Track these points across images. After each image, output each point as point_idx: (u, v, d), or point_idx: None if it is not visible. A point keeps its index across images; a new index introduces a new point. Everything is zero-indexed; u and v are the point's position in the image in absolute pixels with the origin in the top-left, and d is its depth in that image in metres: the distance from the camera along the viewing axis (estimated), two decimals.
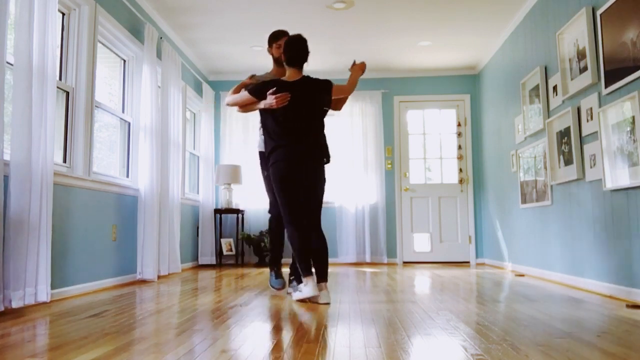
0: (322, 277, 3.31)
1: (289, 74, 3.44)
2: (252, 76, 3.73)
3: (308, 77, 3.46)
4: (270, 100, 3.32)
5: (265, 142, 3.48)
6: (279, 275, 3.77)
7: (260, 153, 3.76)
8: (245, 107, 3.50)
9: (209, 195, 6.75)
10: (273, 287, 3.75)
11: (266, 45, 3.95)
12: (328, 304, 3.19)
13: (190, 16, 5.34)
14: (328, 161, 3.47)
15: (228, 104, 3.59)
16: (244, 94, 3.44)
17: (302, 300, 3.31)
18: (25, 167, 2.98)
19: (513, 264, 5.60)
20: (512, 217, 5.64)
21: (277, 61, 3.72)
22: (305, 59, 3.46)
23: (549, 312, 2.80)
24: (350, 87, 3.58)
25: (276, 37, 3.72)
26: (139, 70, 4.89)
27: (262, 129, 3.58)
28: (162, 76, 5.22)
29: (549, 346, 2.00)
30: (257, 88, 3.40)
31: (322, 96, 3.46)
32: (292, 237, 3.35)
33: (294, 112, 3.35)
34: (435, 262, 7.00)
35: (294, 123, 3.36)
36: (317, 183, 3.41)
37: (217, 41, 6.03)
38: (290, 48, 3.42)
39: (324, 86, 3.47)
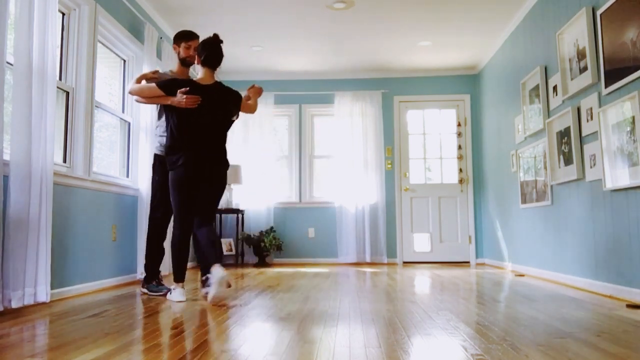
0: (217, 259, 3.26)
1: (203, 76, 3.44)
2: (156, 71, 3.73)
3: (220, 83, 3.50)
4: (180, 98, 3.29)
5: (167, 140, 3.42)
6: (160, 282, 3.80)
7: (157, 156, 3.73)
8: (149, 99, 3.42)
9: None
10: (157, 293, 3.65)
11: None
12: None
13: (190, 16, 5.34)
14: (228, 167, 3.54)
15: (131, 93, 3.47)
16: (152, 87, 3.36)
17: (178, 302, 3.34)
18: (25, 167, 2.98)
19: (513, 264, 5.60)
20: (512, 217, 5.64)
21: (183, 61, 3.73)
22: (220, 62, 3.49)
23: (549, 312, 2.80)
24: (254, 109, 3.76)
25: (187, 37, 3.72)
26: (139, 70, 4.89)
27: (163, 130, 3.62)
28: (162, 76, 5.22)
29: (549, 346, 2.00)
30: (168, 84, 3.35)
31: (232, 107, 3.51)
32: (179, 240, 3.37)
33: (205, 117, 3.37)
34: (435, 262, 7.00)
35: (204, 128, 3.37)
36: (220, 189, 3.50)
37: None
38: (210, 48, 3.42)
39: (235, 99, 3.52)
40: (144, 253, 3.87)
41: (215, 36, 3.45)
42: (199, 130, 3.35)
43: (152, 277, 3.77)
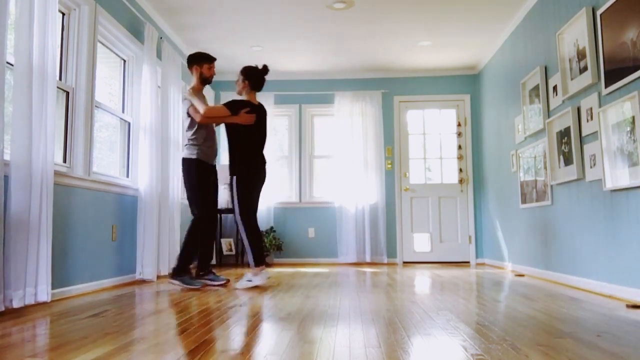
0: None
1: (250, 97, 4.22)
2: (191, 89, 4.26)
3: (260, 103, 4.29)
4: (246, 116, 4.07)
5: (235, 153, 4.13)
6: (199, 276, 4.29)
7: (191, 160, 4.15)
8: (218, 118, 4.12)
9: None
10: (196, 287, 4.04)
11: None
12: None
13: (190, 16, 5.34)
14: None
15: (207, 115, 4.04)
16: (221, 108, 4.07)
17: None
18: (26, 167, 2.98)
19: (513, 264, 5.60)
20: (512, 217, 5.64)
21: (205, 80, 4.30)
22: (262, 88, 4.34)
23: (549, 312, 2.80)
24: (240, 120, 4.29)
25: (211, 59, 4.33)
26: (139, 70, 4.89)
27: (194, 137, 4.16)
28: (162, 76, 5.22)
29: (549, 346, 2.00)
30: (233, 105, 4.09)
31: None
32: (252, 232, 4.07)
33: (261, 130, 4.20)
34: (435, 262, 7.00)
35: (262, 139, 4.21)
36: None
37: (217, 41, 6.03)
38: (259, 77, 4.21)
39: (265, 113, 4.30)
40: (185, 247, 4.13)
41: (265, 67, 4.21)
42: (259, 142, 4.19)
43: (186, 271, 4.10)
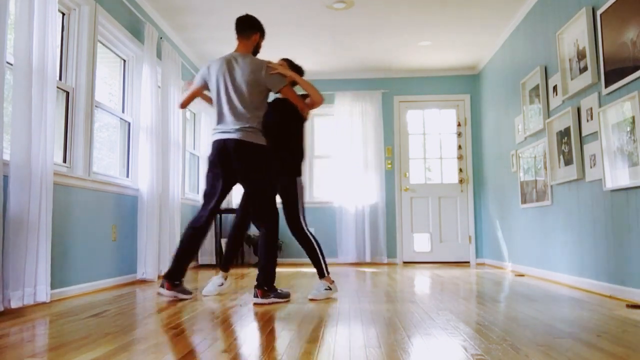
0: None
1: None
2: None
3: None
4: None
5: (300, 149, 3.72)
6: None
7: (267, 149, 3.41)
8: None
9: None
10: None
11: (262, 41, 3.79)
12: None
13: (190, 16, 5.34)
14: None
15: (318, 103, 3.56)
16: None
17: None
18: (25, 167, 2.98)
19: (513, 264, 5.60)
20: (512, 217, 5.64)
21: (255, 53, 3.62)
22: None
23: (549, 312, 2.80)
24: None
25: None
26: (139, 70, 4.89)
27: (259, 122, 3.41)
28: (162, 76, 5.22)
29: (549, 346, 2.00)
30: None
31: None
32: (315, 239, 3.59)
33: None
34: (435, 262, 7.00)
35: None
36: None
37: (217, 41, 6.03)
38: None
39: None
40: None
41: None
42: None
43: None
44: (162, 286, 3.30)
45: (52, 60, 3.23)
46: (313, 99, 3.49)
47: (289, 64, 3.70)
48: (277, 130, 3.66)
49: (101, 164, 4.52)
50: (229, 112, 3.28)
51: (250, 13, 5.24)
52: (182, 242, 3.33)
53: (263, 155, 3.29)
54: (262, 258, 3.27)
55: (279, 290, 3.30)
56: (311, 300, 3.37)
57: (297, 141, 3.65)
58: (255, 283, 3.24)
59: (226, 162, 3.28)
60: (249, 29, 3.44)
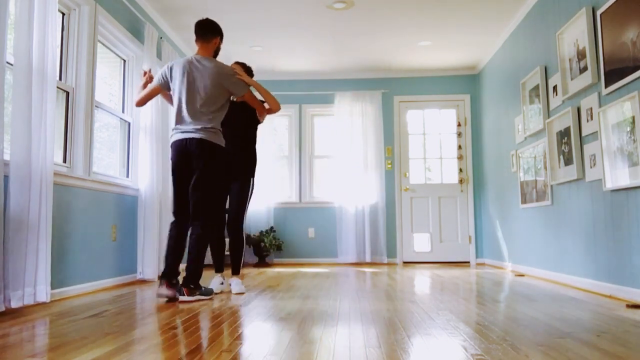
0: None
1: None
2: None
3: None
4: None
5: (255, 150, 3.90)
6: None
7: (222, 150, 3.49)
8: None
9: None
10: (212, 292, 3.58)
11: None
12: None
13: (190, 16, 5.34)
14: None
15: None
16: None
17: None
18: (25, 167, 2.98)
19: (513, 264, 5.60)
20: (512, 217, 5.64)
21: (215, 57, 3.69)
22: None
23: (549, 312, 2.80)
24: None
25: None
26: (139, 70, 4.89)
27: (218, 122, 3.48)
28: None
29: (549, 346, 2.00)
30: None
31: None
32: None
33: None
34: (435, 262, 7.00)
35: None
36: None
37: None
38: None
39: None
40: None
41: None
42: None
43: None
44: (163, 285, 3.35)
45: (52, 60, 3.23)
46: (272, 106, 3.71)
47: (243, 67, 3.84)
48: (244, 131, 3.86)
49: (101, 164, 4.52)
50: (189, 113, 3.37)
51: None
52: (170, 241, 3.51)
53: (221, 157, 3.43)
54: (191, 256, 3.32)
55: (203, 289, 3.40)
56: (239, 294, 3.66)
57: (255, 143, 3.90)
58: (181, 282, 3.34)
59: (187, 161, 3.38)
60: (210, 33, 3.55)
